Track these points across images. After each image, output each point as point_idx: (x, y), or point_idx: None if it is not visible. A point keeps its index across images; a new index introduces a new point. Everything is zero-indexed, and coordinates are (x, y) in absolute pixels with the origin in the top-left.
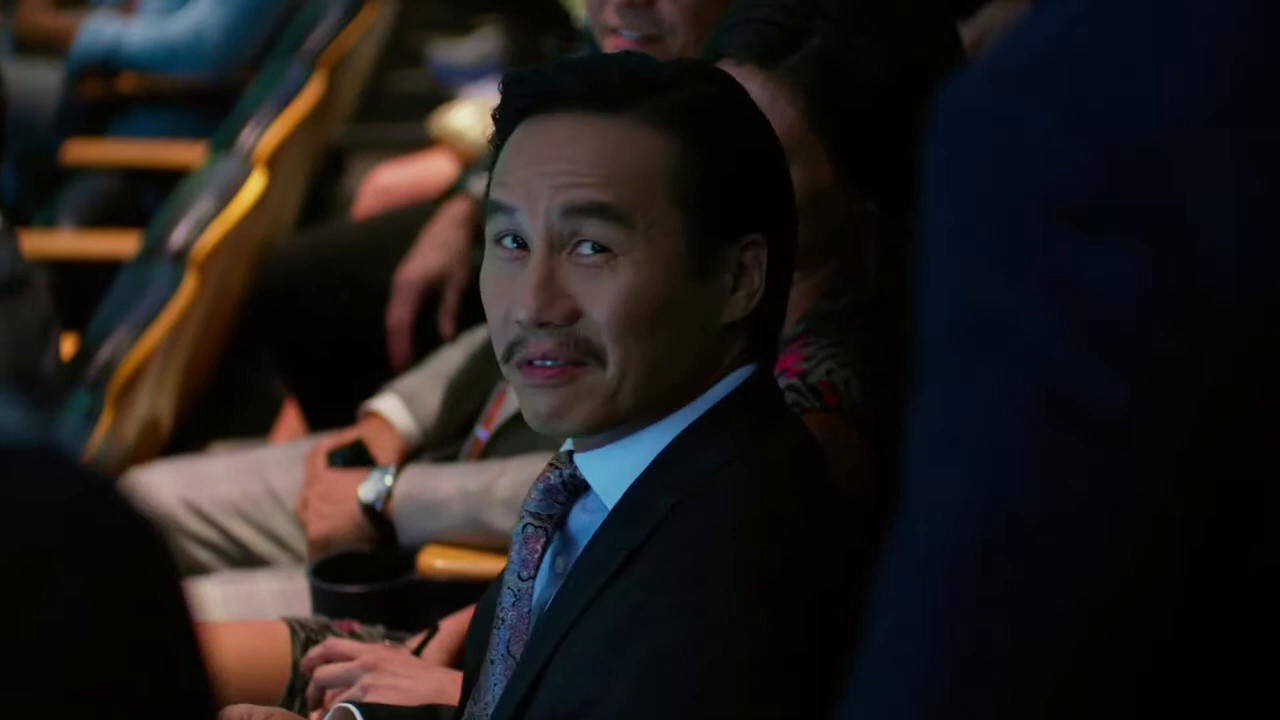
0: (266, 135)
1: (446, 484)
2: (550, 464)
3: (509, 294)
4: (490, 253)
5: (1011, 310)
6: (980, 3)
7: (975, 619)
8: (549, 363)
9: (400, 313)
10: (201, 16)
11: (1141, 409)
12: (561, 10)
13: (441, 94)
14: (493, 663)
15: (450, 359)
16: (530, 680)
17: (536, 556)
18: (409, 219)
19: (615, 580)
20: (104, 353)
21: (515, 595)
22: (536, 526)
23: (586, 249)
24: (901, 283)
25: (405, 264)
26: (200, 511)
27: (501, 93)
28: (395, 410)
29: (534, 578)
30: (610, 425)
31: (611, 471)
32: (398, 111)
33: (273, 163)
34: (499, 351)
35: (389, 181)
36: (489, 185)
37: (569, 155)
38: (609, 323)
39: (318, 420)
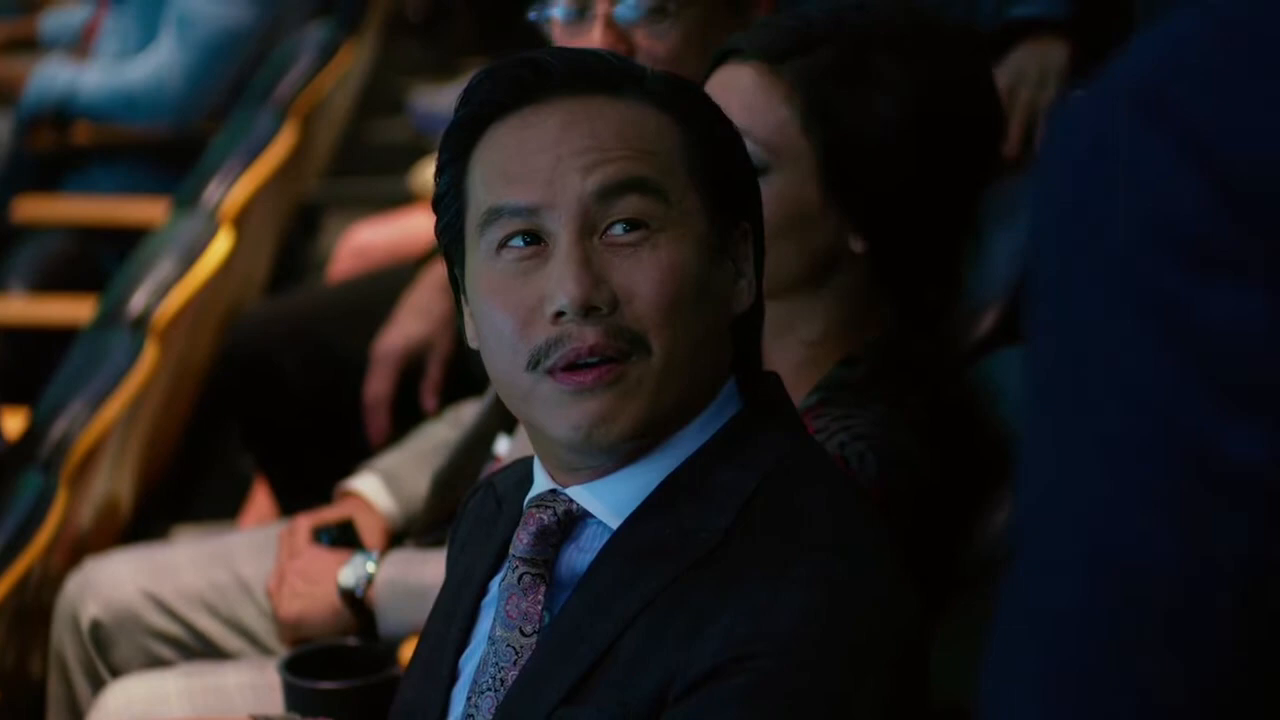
0: (233, 191)
1: (435, 570)
2: (536, 506)
3: (529, 293)
4: (489, 263)
5: (1129, 350)
6: (1007, 47)
7: (1101, 684)
8: (594, 360)
9: (378, 386)
10: (162, 62)
11: (1273, 459)
12: None
13: (424, 145)
14: None
15: (434, 436)
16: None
17: (539, 609)
18: (388, 282)
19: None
20: (57, 429)
21: (516, 652)
22: (534, 575)
23: (619, 230)
24: (924, 351)
25: (384, 332)
26: (163, 604)
27: (476, 90)
28: (376, 491)
29: (538, 632)
30: (650, 429)
31: (622, 496)
32: (376, 164)
33: (240, 221)
34: (522, 361)
35: (366, 240)
36: (470, 198)
37: (589, 134)
38: (656, 301)
39: (290, 502)
